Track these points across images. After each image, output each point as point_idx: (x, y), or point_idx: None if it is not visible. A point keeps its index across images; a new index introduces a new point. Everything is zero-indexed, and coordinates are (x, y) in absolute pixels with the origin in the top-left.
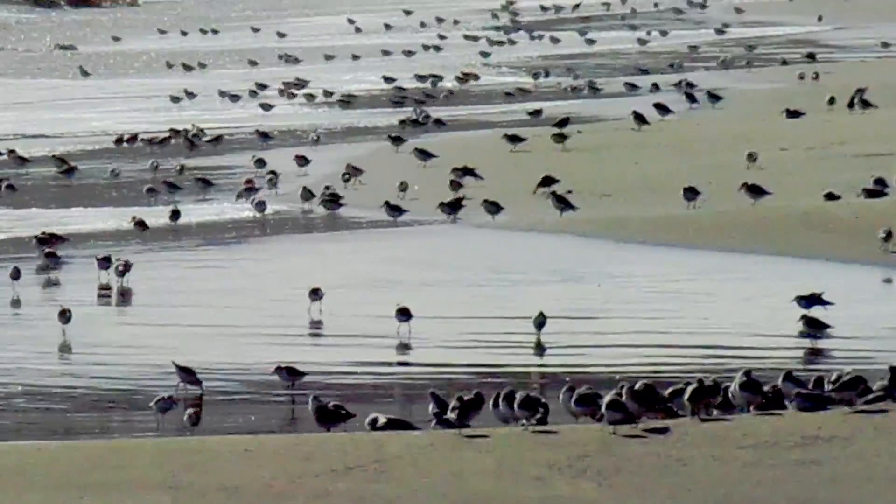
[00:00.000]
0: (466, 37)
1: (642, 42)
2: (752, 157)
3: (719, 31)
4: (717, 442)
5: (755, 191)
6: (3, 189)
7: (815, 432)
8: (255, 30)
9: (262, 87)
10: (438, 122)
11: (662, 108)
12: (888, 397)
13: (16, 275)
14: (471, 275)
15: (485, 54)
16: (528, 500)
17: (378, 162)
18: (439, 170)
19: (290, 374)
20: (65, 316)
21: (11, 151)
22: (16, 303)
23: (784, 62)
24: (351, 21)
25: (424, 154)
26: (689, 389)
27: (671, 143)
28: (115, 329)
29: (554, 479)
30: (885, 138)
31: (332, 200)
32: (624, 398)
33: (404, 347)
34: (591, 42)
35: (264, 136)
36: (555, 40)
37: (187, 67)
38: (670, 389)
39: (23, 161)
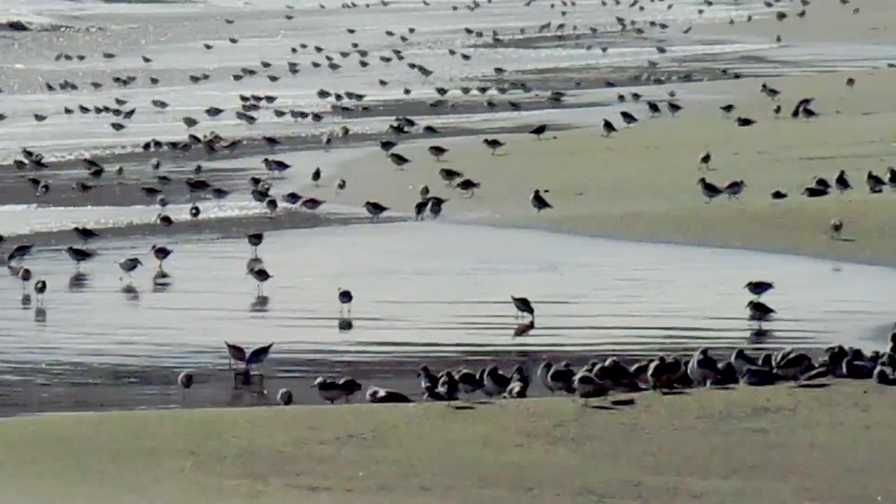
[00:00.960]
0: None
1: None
2: (705, 160)
3: (660, 50)
4: (677, 413)
5: (711, 189)
6: (40, 189)
7: (764, 404)
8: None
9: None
10: (429, 128)
11: (628, 117)
12: (828, 373)
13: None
14: (458, 265)
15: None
16: (510, 464)
17: (369, 164)
18: (412, 173)
19: (259, 353)
20: (37, 286)
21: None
22: (54, 291)
23: (737, 76)
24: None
25: (399, 159)
26: (652, 366)
27: (636, 148)
28: (142, 312)
29: (533, 446)
30: (825, 144)
31: (313, 200)
32: (594, 373)
33: (399, 328)
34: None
35: (271, 141)
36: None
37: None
38: (635, 366)
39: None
